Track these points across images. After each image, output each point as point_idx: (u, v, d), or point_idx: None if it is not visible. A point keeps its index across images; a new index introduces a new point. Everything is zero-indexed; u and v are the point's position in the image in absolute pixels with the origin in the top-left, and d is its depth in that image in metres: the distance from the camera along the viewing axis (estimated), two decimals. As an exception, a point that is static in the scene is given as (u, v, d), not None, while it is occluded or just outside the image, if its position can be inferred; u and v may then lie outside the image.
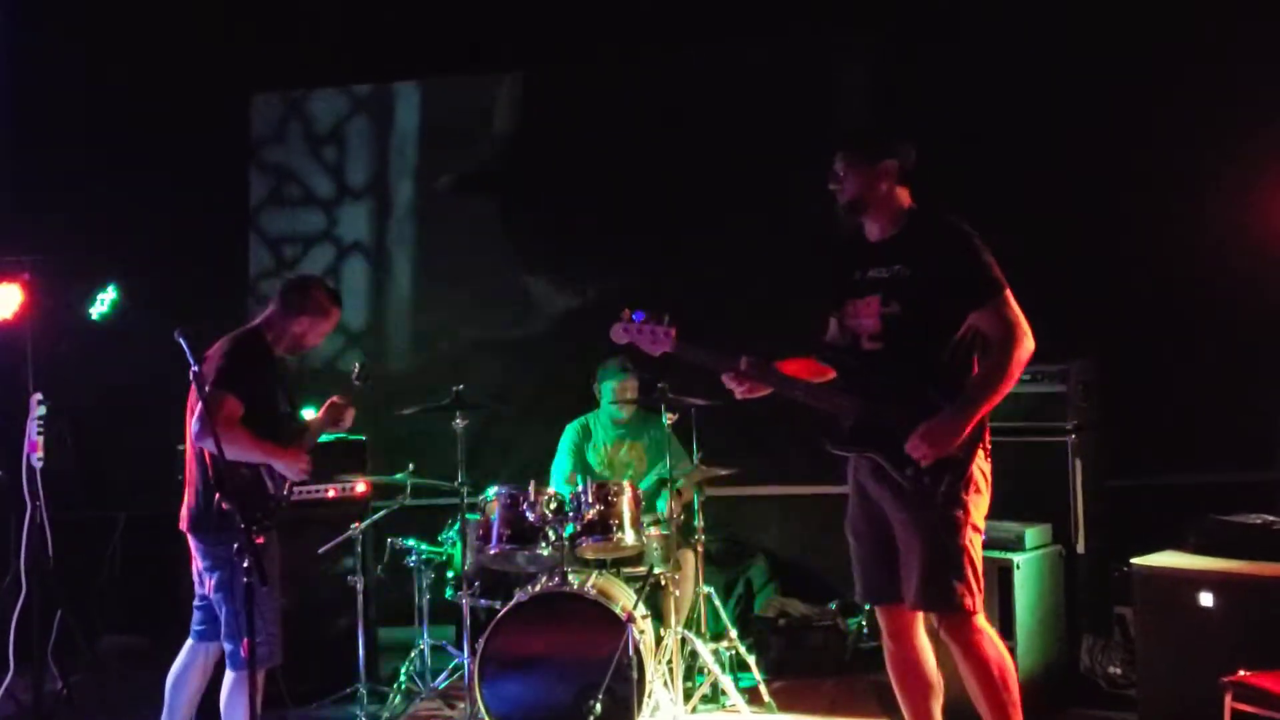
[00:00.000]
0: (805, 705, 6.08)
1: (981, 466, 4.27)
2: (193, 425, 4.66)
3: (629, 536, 5.86)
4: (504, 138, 8.56)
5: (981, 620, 4.28)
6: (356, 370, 5.36)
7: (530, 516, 5.81)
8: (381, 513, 6.23)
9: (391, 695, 6.09)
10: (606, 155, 8.15)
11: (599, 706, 5.25)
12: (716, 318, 6.73)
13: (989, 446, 4.29)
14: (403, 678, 6.18)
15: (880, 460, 4.28)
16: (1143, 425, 6.59)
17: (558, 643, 5.55)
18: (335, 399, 5.21)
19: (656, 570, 5.90)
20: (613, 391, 6.72)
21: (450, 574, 6.23)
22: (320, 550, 6.05)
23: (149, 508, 6.62)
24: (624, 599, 5.70)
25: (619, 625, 5.41)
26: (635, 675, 5.37)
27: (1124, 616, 5.95)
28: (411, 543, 6.25)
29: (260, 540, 4.18)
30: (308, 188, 8.77)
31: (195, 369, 4.27)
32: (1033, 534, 5.83)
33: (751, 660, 6.17)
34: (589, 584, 5.69)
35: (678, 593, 6.01)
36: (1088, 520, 6.16)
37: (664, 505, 6.22)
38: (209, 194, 8.11)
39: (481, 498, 6.00)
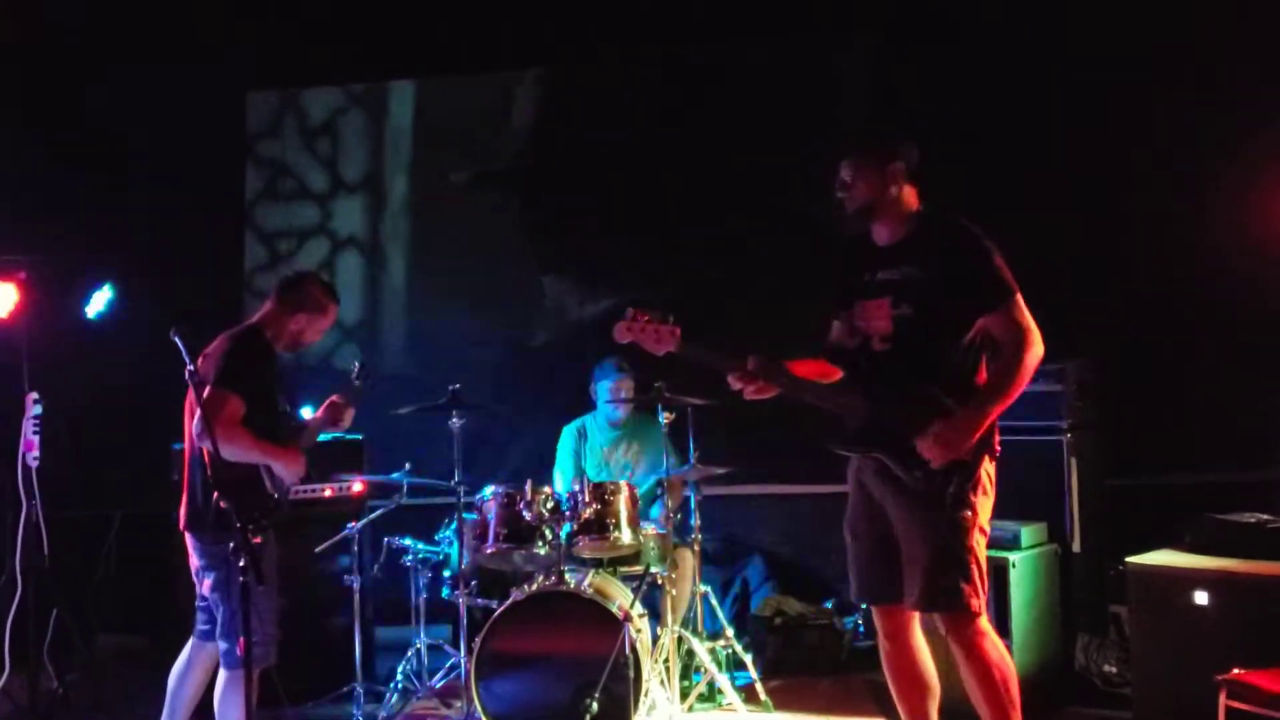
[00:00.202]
0: (801, 704, 6.08)
1: (988, 469, 4.26)
2: (194, 426, 4.64)
3: (626, 536, 5.86)
4: (501, 136, 8.55)
5: (985, 622, 4.27)
6: (356, 370, 5.35)
7: (527, 516, 5.81)
8: (378, 512, 6.22)
9: (388, 694, 6.08)
10: (607, 155, 8.16)
11: (596, 705, 5.24)
12: (716, 318, 6.72)
13: (998, 449, 4.28)
14: (399, 677, 6.18)
15: (888, 461, 4.27)
16: (1139, 425, 6.58)
17: (554, 642, 5.55)
18: (335, 398, 5.21)
19: (653, 569, 5.89)
20: (609, 391, 6.72)
21: (447, 573, 6.22)
22: (317, 549, 6.05)
23: (145, 506, 6.65)
24: (621, 598, 5.71)
25: (616, 624, 5.41)
26: (632, 674, 5.37)
27: (1119, 615, 5.94)
28: (408, 542, 6.25)
29: (258, 540, 4.18)
30: (302, 182, 8.78)
31: (191, 368, 4.27)
32: (1028, 533, 5.84)
33: (748, 659, 6.18)
34: (586, 583, 5.69)
35: (674, 592, 6.00)
36: (1083, 519, 6.16)
37: (658, 511, 6.21)
38: (205, 192, 8.11)
39: (478, 497, 5.99)
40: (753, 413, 6.60)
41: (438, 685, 6.23)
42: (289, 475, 4.88)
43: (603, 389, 6.76)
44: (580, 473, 6.67)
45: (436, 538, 6.31)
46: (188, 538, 4.88)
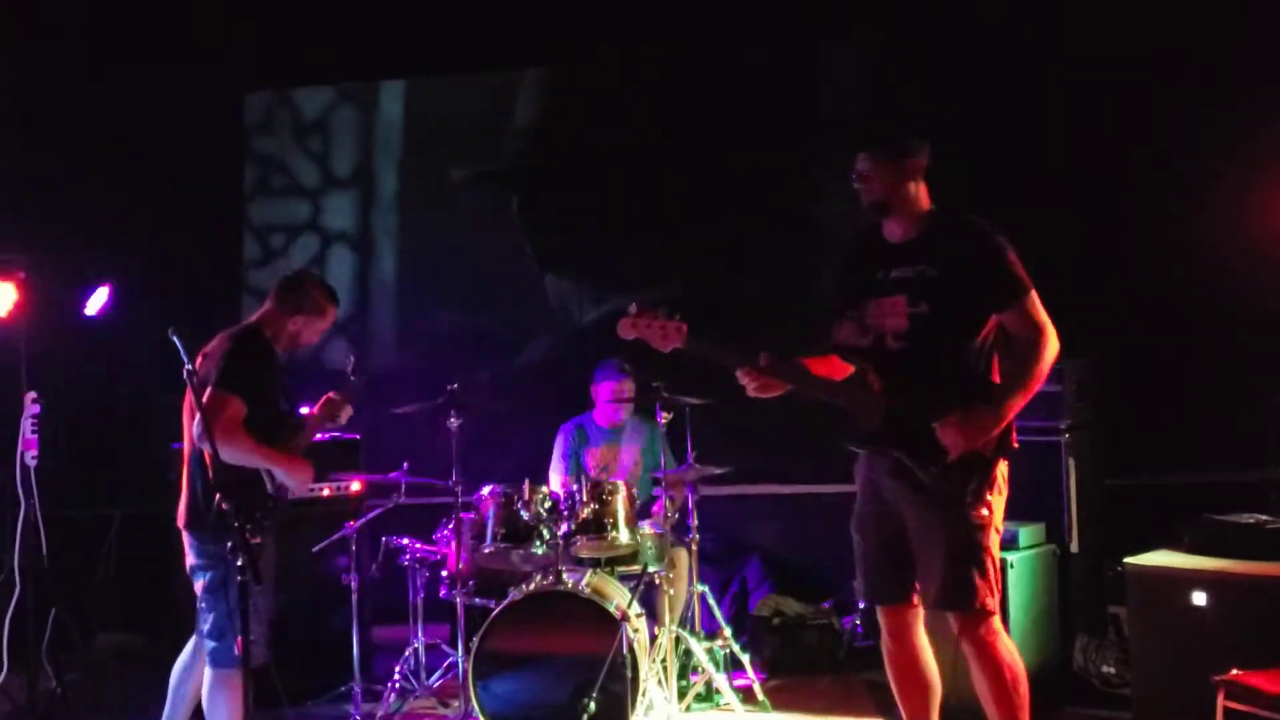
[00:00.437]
0: (800, 704, 6.08)
1: (1002, 469, 4.26)
2: (195, 428, 4.63)
3: (623, 535, 5.85)
4: (500, 135, 8.55)
5: (998, 621, 4.26)
6: (351, 365, 5.35)
7: (525, 515, 5.81)
8: (376, 511, 6.22)
9: (386, 694, 6.06)
10: (606, 154, 8.16)
11: (593, 705, 5.25)
12: (715, 317, 6.70)
13: (1015, 446, 4.27)
14: (397, 676, 6.16)
15: (905, 459, 4.25)
16: (1138, 425, 6.57)
17: (552, 642, 5.55)
18: (331, 395, 5.20)
19: (651, 569, 5.89)
20: (610, 392, 6.71)
21: (444, 573, 6.22)
22: (315, 549, 6.05)
23: (144, 506, 6.65)
24: (618, 598, 5.70)
25: (613, 624, 5.41)
26: (629, 674, 5.37)
27: (1118, 616, 5.93)
28: (406, 541, 6.24)
29: (257, 540, 4.16)
30: (294, 177, 8.79)
31: (189, 367, 4.26)
32: (1027, 533, 5.84)
33: (746, 659, 6.18)
34: (583, 583, 5.69)
35: (672, 591, 6.00)
36: (1082, 519, 6.16)
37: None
38: (204, 191, 8.11)
39: (476, 496, 5.98)
40: (751, 413, 6.60)
41: (435, 685, 6.23)
42: (295, 483, 4.85)
43: (604, 389, 6.75)
44: (578, 472, 6.67)
45: (434, 537, 6.30)
46: (185, 536, 4.87)
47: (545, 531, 5.80)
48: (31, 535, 6.20)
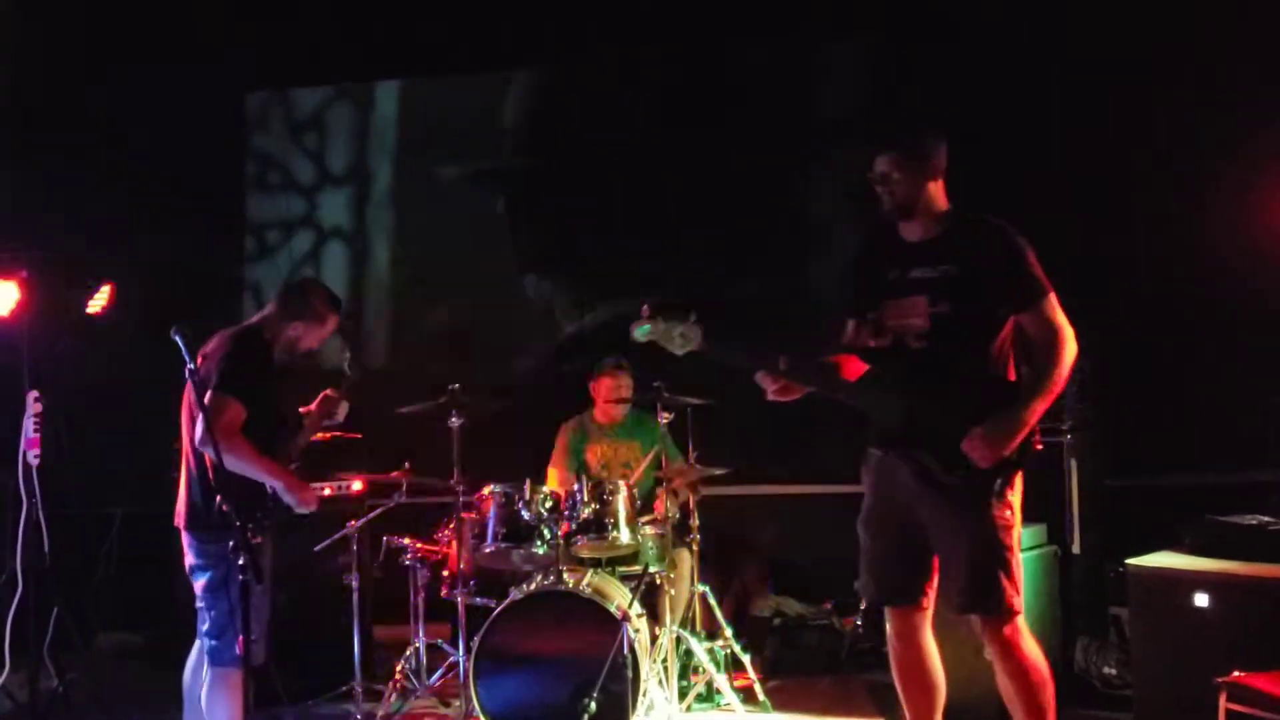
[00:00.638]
0: (800, 705, 6.08)
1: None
2: (196, 431, 4.63)
3: (624, 535, 5.85)
4: (494, 134, 8.54)
5: (1023, 621, 4.23)
6: (347, 360, 5.34)
7: (526, 515, 5.80)
8: (377, 511, 6.22)
9: (387, 693, 6.06)
10: (604, 154, 8.16)
11: (594, 705, 5.24)
12: (714, 318, 6.71)
13: (1038, 447, 4.24)
14: (398, 676, 6.17)
15: (927, 462, 4.21)
16: (1139, 426, 6.58)
17: (553, 641, 5.55)
18: (328, 392, 5.20)
19: (652, 569, 5.89)
20: (608, 390, 6.71)
21: (445, 572, 6.22)
22: (316, 548, 6.05)
23: (145, 505, 6.63)
24: (619, 598, 5.70)
25: (614, 624, 5.41)
26: (630, 674, 5.36)
27: (1119, 617, 5.94)
28: (407, 541, 6.24)
29: (258, 540, 4.16)
30: (290, 174, 8.79)
31: (191, 367, 4.25)
32: (1028, 534, 5.81)
33: (746, 659, 6.17)
34: (584, 583, 5.69)
35: (673, 592, 6.00)
36: (1083, 520, 6.16)
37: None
38: (204, 190, 8.10)
39: (477, 496, 5.98)
40: (752, 413, 6.59)
41: (436, 684, 6.22)
42: (293, 502, 4.83)
43: (602, 387, 6.75)
44: (578, 472, 6.67)
45: (435, 537, 6.30)
46: (184, 536, 4.87)
47: (546, 531, 5.79)
48: (33, 534, 6.20)
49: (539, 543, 5.78)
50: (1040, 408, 4.14)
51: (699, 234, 7.99)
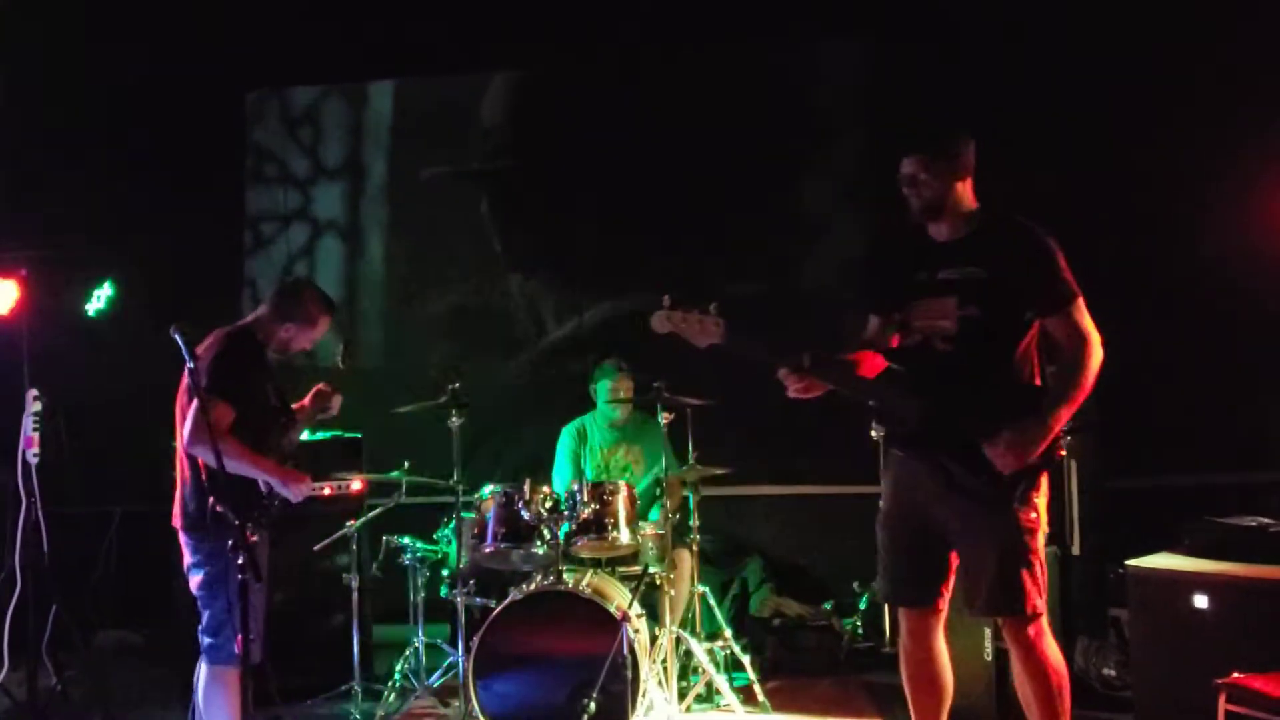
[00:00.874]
0: (799, 705, 6.07)
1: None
2: (184, 431, 4.65)
3: (624, 536, 5.85)
4: (496, 132, 8.54)
5: (1045, 623, 4.22)
6: (341, 351, 5.33)
7: (525, 515, 5.80)
8: (377, 510, 6.21)
9: (386, 693, 6.07)
10: (602, 154, 8.16)
11: (593, 705, 5.24)
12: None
13: (1061, 453, 4.23)
14: (397, 676, 6.17)
15: (952, 464, 4.18)
16: (1139, 427, 6.58)
17: (552, 641, 5.55)
18: (321, 386, 5.20)
19: (651, 570, 5.89)
20: (608, 391, 6.71)
21: (445, 572, 6.23)
22: (315, 548, 6.04)
23: (144, 503, 6.63)
24: (619, 598, 5.70)
25: (614, 624, 5.40)
26: (630, 674, 5.36)
27: (1119, 618, 5.94)
28: (407, 540, 6.24)
29: (253, 539, 4.16)
30: (285, 167, 8.79)
31: (191, 365, 4.26)
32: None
33: (746, 660, 6.17)
34: (584, 583, 5.68)
35: (673, 592, 6.00)
36: (1083, 522, 6.15)
37: (657, 514, 6.20)
38: (203, 189, 8.09)
39: (477, 496, 5.98)
40: (752, 413, 6.60)
41: (436, 684, 6.22)
42: (290, 494, 4.84)
43: (602, 389, 6.75)
44: (579, 473, 6.67)
45: (435, 536, 6.30)
46: (181, 536, 4.88)
47: (546, 531, 5.79)
48: (32, 533, 6.20)
49: (539, 543, 5.78)
50: (1066, 414, 4.11)
51: (698, 235, 7.98)
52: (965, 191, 4.26)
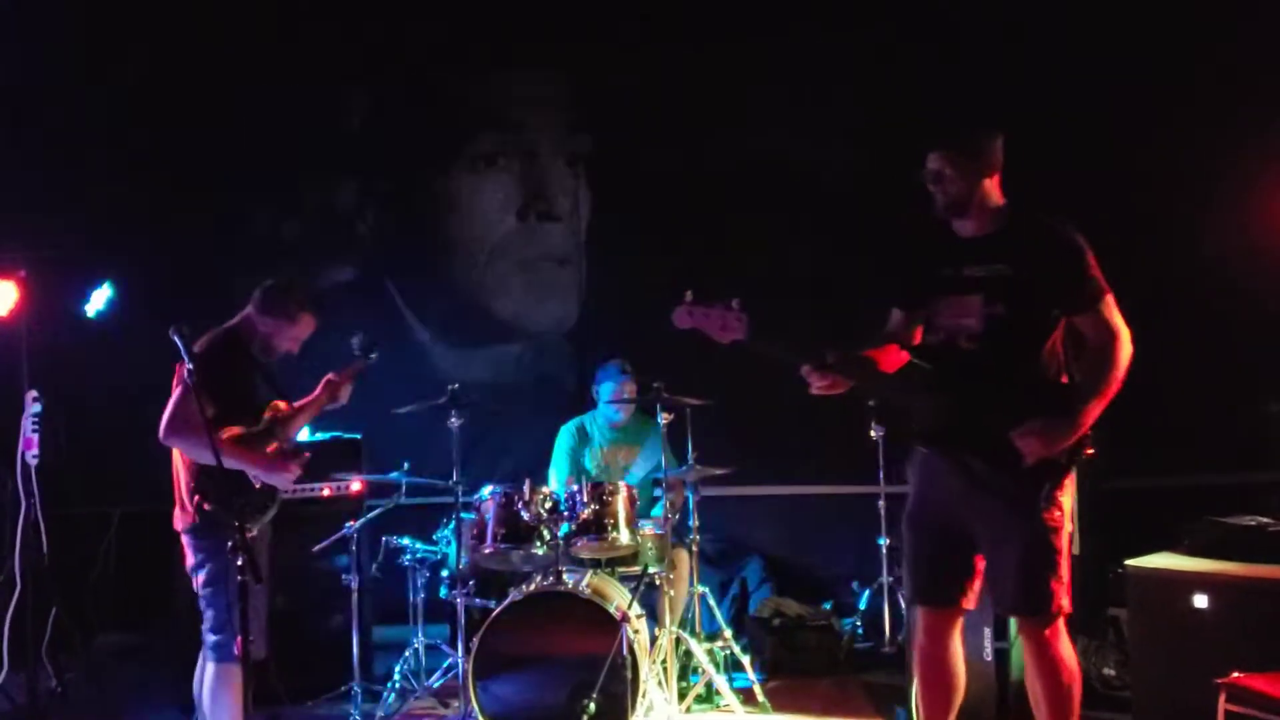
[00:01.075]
0: (799, 705, 6.07)
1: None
2: (161, 423, 4.72)
3: (624, 536, 5.84)
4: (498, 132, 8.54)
5: (1063, 623, 4.20)
6: (358, 343, 5.32)
7: (525, 516, 5.79)
8: (376, 511, 6.21)
9: (385, 694, 6.07)
10: (601, 155, 8.17)
11: (593, 706, 5.24)
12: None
13: (1088, 452, 4.18)
14: (397, 676, 6.17)
15: (976, 463, 4.16)
16: (1138, 427, 6.56)
17: (552, 642, 5.55)
18: (331, 376, 5.19)
19: (651, 570, 5.89)
20: (612, 393, 6.70)
21: (445, 573, 6.22)
22: (315, 548, 6.03)
23: (144, 505, 6.62)
24: (618, 598, 5.70)
25: (613, 625, 5.40)
26: (630, 675, 5.36)
27: (1118, 618, 5.93)
28: (406, 541, 6.24)
29: (251, 535, 4.16)
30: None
31: (190, 366, 4.27)
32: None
33: (746, 660, 6.17)
34: (583, 583, 5.68)
35: (672, 592, 6.00)
36: (1082, 521, 6.12)
37: (660, 510, 6.19)
38: (202, 190, 8.09)
39: (476, 497, 5.98)
40: (752, 413, 6.60)
41: (435, 685, 6.22)
42: (278, 482, 4.85)
43: (605, 390, 6.73)
44: (579, 473, 6.66)
45: (435, 537, 6.30)
46: (183, 537, 4.90)
47: (545, 532, 5.78)
48: (32, 534, 6.20)
49: (538, 543, 5.77)
50: (1096, 411, 4.08)
51: (698, 235, 7.98)
52: (992, 188, 4.22)
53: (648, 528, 6.14)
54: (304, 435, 6.02)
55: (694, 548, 6.11)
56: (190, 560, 4.85)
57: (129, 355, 7.14)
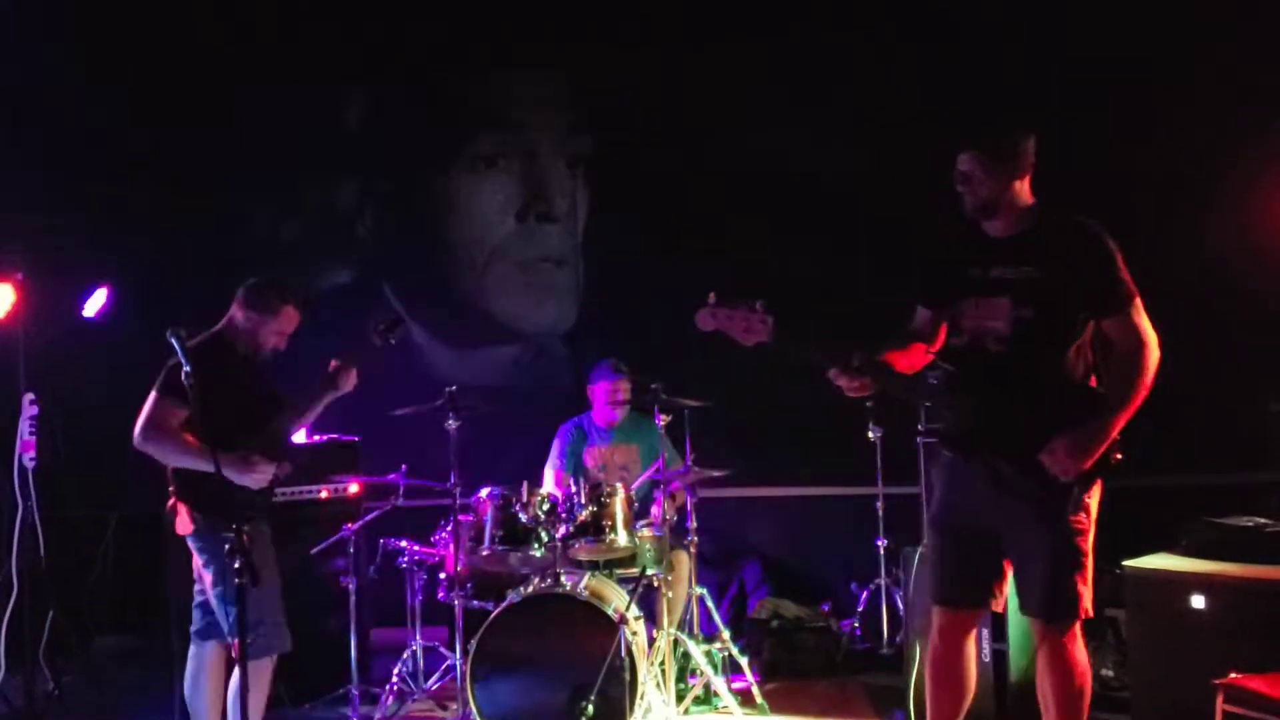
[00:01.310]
0: (797, 707, 6.06)
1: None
2: (135, 430, 4.78)
3: (622, 538, 5.84)
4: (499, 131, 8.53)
5: (1079, 626, 4.18)
6: (381, 328, 5.29)
7: (523, 518, 5.79)
8: (374, 513, 6.21)
9: (384, 696, 6.06)
10: (600, 156, 8.16)
11: (591, 708, 5.24)
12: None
13: (1117, 457, 4.16)
14: (395, 679, 6.16)
15: (1004, 468, 4.12)
16: (1137, 427, 6.55)
17: (550, 644, 5.53)
18: (335, 361, 5.18)
19: (649, 572, 5.88)
20: (606, 393, 6.69)
21: (443, 575, 6.21)
22: (313, 551, 6.04)
23: (141, 507, 6.63)
24: (616, 600, 5.70)
25: (611, 627, 5.40)
26: (628, 677, 5.35)
27: (1116, 619, 5.92)
28: (404, 543, 6.23)
29: (247, 536, 4.16)
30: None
31: (188, 369, 4.26)
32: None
33: (744, 662, 6.16)
34: (581, 585, 5.68)
35: (670, 594, 5.99)
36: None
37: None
38: (202, 190, 8.08)
39: (474, 499, 5.98)
40: (750, 414, 6.59)
41: (433, 687, 6.23)
42: (250, 482, 4.82)
43: (599, 390, 6.74)
44: (576, 474, 6.65)
45: (432, 539, 6.29)
46: (187, 540, 4.92)
47: (543, 534, 5.77)
48: (29, 537, 6.20)
49: (536, 545, 5.77)
50: (1123, 418, 4.05)
51: (698, 236, 7.97)
52: (1023, 189, 4.17)
53: (646, 529, 6.13)
54: (299, 437, 6.03)
55: (692, 549, 6.11)
56: (197, 563, 4.88)
57: (127, 358, 7.15)
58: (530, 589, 5.71)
